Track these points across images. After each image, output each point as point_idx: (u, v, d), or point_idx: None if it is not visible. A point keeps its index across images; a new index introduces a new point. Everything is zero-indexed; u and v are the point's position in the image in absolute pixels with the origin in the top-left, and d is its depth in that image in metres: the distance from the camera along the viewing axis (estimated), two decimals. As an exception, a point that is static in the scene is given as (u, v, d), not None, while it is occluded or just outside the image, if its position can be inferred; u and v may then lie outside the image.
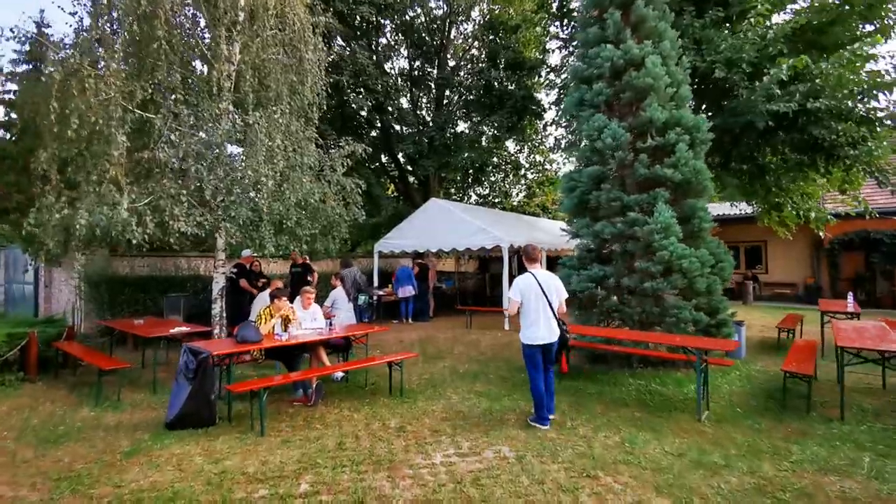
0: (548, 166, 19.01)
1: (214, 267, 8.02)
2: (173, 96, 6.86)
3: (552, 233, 15.02)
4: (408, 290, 11.87)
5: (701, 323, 6.17)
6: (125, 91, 6.28)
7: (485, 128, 14.57)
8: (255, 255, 8.51)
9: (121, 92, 6.16)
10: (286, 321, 6.01)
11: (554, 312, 4.62)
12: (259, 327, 5.79)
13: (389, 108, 12.72)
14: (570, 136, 7.68)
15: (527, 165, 19.30)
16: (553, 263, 16.22)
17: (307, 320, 6.30)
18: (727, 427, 4.63)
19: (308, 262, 10.94)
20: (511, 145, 19.48)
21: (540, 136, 18.11)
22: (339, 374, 6.15)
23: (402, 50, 15.35)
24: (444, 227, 11.97)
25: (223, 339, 6.92)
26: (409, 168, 17.27)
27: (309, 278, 10.00)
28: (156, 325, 6.77)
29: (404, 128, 14.28)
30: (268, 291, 7.16)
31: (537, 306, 4.57)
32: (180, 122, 6.82)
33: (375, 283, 13.21)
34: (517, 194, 20.40)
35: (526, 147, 19.03)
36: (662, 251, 6.08)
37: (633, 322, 6.53)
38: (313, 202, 7.30)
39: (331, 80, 9.97)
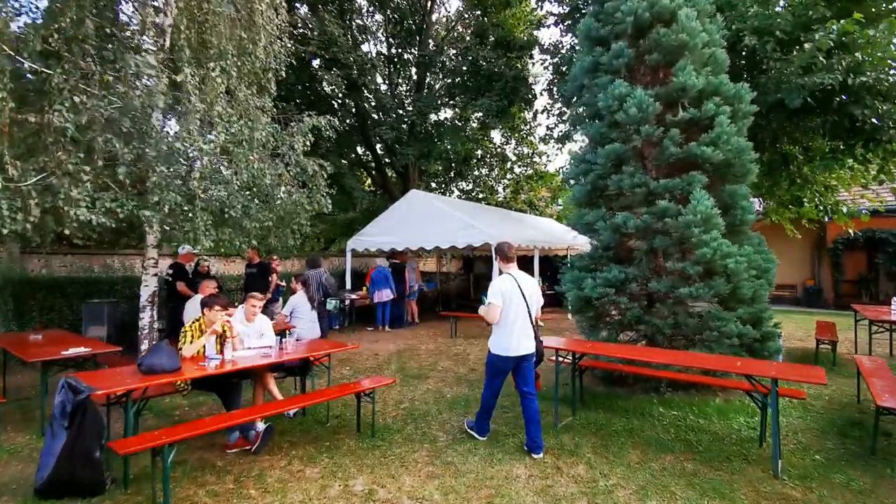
0: (536, 159, 17.81)
1: (143, 267, 6.50)
2: (84, 48, 5.33)
3: (543, 230, 13.81)
4: (384, 294, 10.46)
5: (745, 337, 4.97)
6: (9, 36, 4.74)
7: (470, 112, 13.28)
8: (197, 251, 7.02)
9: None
10: (223, 339, 4.58)
11: (532, 321, 4.06)
12: (182, 348, 4.34)
13: (364, 89, 11.27)
14: (574, 112, 6.38)
15: (514, 158, 18.06)
16: (545, 264, 15.03)
17: (252, 337, 4.86)
18: (816, 487, 3.40)
19: (272, 260, 9.46)
20: (497, 136, 18.23)
21: (529, 127, 16.89)
22: (293, 410, 4.74)
23: (378, 31, 13.94)
24: (425, 222, 10.62)
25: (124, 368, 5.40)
26: (388, 160, 15.85)
27: (271, 278, 8.52)
28: (56, 342, 5.22)
29: (382, 114, 12.87)
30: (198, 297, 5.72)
31: (516, 313, 3.96)
32: (90, 83, 5.29)
33: (348, 286, 11.78)
34: (503, 189, 19.15)
35: (513, 139, 17.79)
36: (702, 248, 4.86)
37: (662, 337, 5.30)
38: (264, 186, 5.85)
39: (295, 50, 8.50)
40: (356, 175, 17.50)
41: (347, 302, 11.07)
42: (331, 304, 11.19)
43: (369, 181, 18.57)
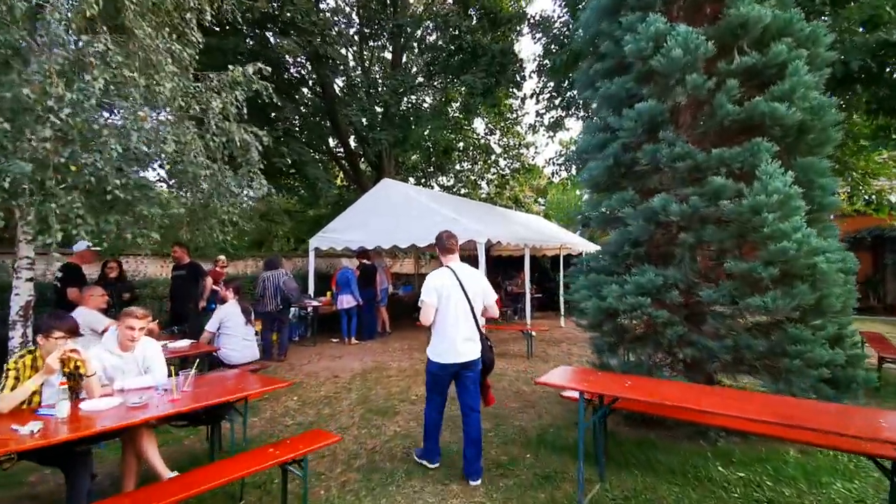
0: (524, 151, 16.41)
1: (14, 269, 4.83)
2: None
3: (533, 227, 12.41)
4: (347, 300, 8.87)
5: (833, 364, 3.58)
6: None
7: (452, 92, 11.79)
8: (94, 247, 5.36)
9: None
10: (75, 378, 3.01)
11: (477, 322, 3.46)
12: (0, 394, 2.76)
13: (330, 61, 9.65)
14: (584, 71, 4.92)
15: (498, 150, 16.63)
16: (536, 264, 13.61)
17: (130, 374, 3.29)
18: None
19: (217, 262, 7.82)
20: (481, 127, 16.79)
21: (516, 115, 15.49)
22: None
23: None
24: (400, 216, 9.09)
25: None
26: (362, 151, 14.26)
27: (204, 283, 6.87)
28: None
29: (351, 95, 11.29)
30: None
31: (455, 312, 3.38)
32: None
33: (311, 290, 10.16)
34: (487, 185, 17.71)
35: (498, 130, 16.37)
36: (781, 242, 3.45)
37: (714, 363, 3.88)
38: (173, 158, 4.25)
39: (238, 2, 6.87)
40: (324, 165, 15.87)
41: (310, 309, 9.49)
42: (291, 311, 9.60)
43: (342, 175, 16.94)
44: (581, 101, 11.99)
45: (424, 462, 3.65)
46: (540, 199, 24.78)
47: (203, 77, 4.87)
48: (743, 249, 3.87)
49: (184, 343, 4.85)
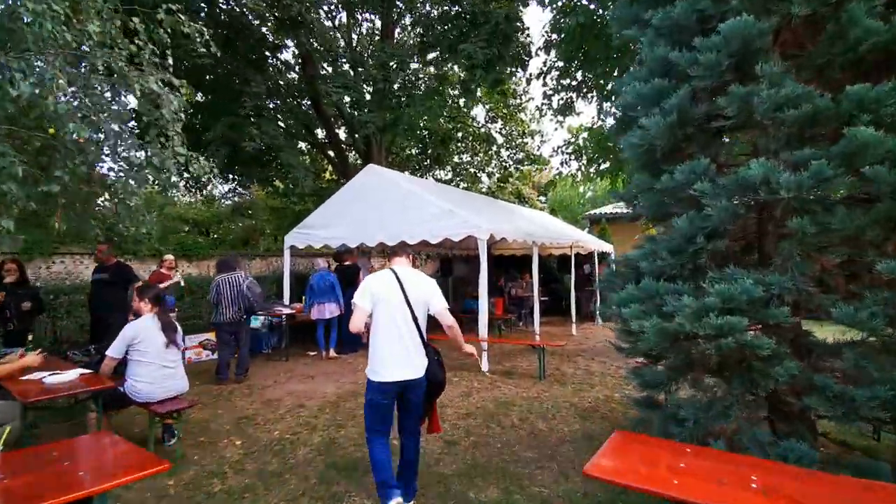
0: (528, 140, 15.02)
1: None
2: None
3: (540, 223, 11.05)
4: (328, 309, 7.50)
5: None
6: None
7: (448, 67, 10.42)
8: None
9: None
10: None
11: (421, 333, 2.95)
12: None
13: (308, 26, 8.22)
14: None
15: (500, 140, 15.25)
16: (541, 264, 12.23)
17: None
18: None
19: (163, 263, 6.49)
20: (481, 114, 15.42)
21: (520, 101, 14.13)
22: None
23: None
24: (388, 208, 7.75)
25: None
26: (351, 142, 12.88)
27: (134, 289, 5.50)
28: None
29: (334, 69, 9.92)
30: None
31: (394, 322, 2.88)
32: None
33: (286, 296, 8.82)
34: (488, 177, 16.33)
35: (500, 117, 15.00)
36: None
37: (857, 418, 2.52)
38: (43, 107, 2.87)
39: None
40: (311, 157, 14.48)
41: (283, 318, 8.14)
42: (257, 320, 8.24)
43: (331, 169, 15.56)
44: (593, 84, 10.66)
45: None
46: (541, 198, 23.52)
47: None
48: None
49: (69, 376, 3.49)
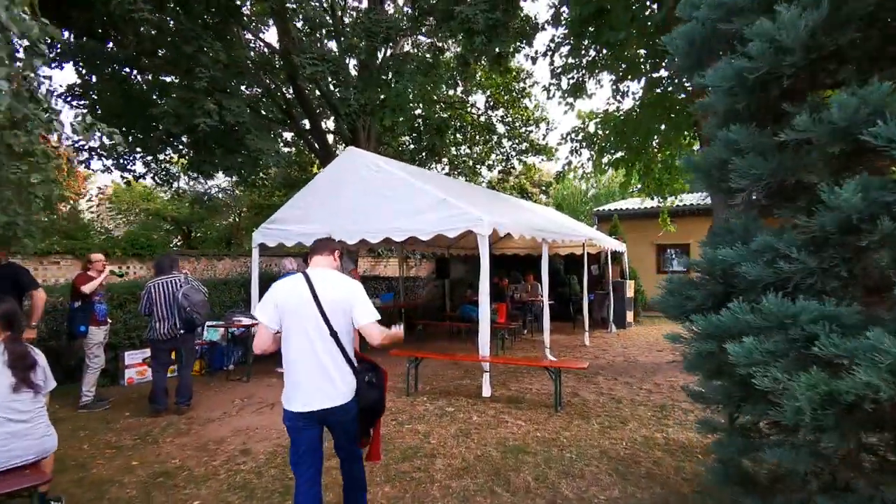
0: (532, 128, 13.74)
1: None
2: None
3: (548, 218, 9.82)
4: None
5: None
6: None
7: (445, 37, 9.16)
8: None
9: None
10: None
11: (343, 349, 2.39)
12: None
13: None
14: None
15: (502, 129, 13.97)
16: (541, 265, 10.95)
17: None
18: None
19: (91, 264, 5.26)
20: (481, 101, 14.15)
21: (523, 85, 12.85)
22: None
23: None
24: (371, 198, 6.50)
25: None
26: (335, 132, 11.59)
27: (36, 296, 4.24)
28: None
29: (309, 39, 8.62)
30: None
31: (307, 336, 2.35)
32: None
33: (254, 301, 7.54)
34: (488, 169, 15.06)
35: (502, 105, 13.73)
36: None
37: None
38: None
39: None
40: (296, 147, 13.21)
41: (243, 329, 6.93)
42: (215, 333, 6.99)
43: (318, 163, 14.29)
44: (609, 61, 9.43)
45: None
46: (542, 195, 22.32)
47: None
48: None
49: None
